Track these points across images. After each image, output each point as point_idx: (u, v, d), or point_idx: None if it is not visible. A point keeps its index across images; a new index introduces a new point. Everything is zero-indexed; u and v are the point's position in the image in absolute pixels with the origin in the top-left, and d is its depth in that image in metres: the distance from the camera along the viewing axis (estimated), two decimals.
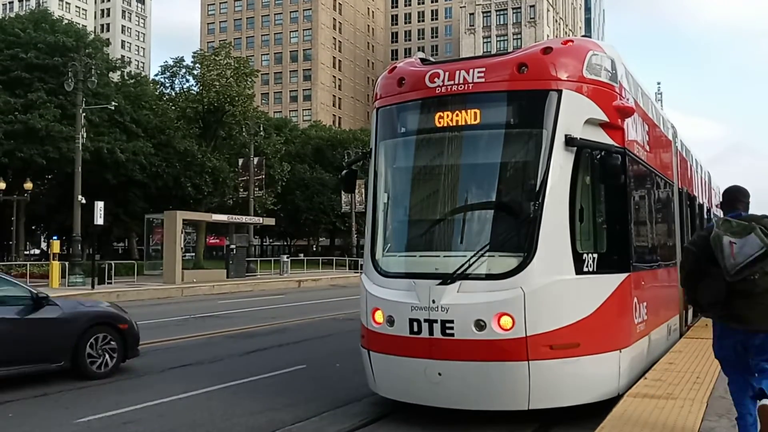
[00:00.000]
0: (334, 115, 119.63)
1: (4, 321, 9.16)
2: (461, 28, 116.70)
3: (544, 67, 7.08)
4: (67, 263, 30.08)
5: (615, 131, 7.40)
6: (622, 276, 7.26)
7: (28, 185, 41.51)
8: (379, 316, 7.19)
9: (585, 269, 6.88)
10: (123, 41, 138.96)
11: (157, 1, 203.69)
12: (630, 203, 7.67)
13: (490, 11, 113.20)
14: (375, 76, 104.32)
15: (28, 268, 32.76)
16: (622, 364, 7.09)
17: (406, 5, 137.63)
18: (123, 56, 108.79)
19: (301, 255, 64.87)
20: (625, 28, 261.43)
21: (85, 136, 34.23)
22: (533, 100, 7.13)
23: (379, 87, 8.09)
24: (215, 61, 55.48)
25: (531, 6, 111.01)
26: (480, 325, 6.57)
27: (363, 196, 39.90)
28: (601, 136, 7.24)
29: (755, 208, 5.71)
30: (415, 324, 6.80)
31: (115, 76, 57.27)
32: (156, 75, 62.03)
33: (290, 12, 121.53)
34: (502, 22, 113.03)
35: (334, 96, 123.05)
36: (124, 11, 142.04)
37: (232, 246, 37.24)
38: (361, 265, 8.77)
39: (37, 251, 74.61)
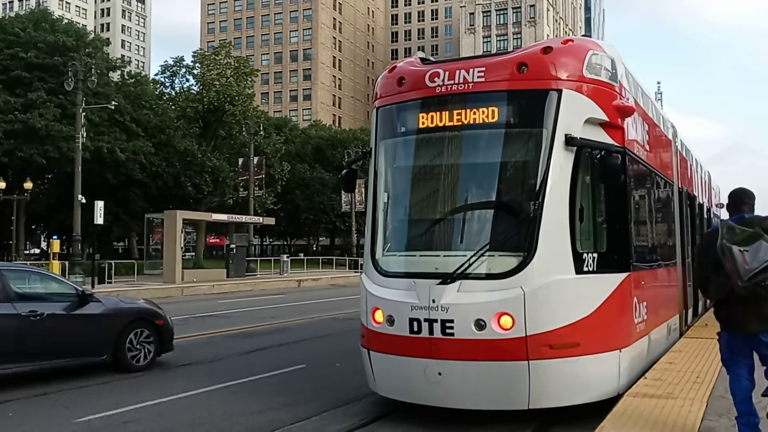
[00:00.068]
0: (334, 114, 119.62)
1: (53, 316, 9.64)
2: (461, 28, 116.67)
3: (544, 67, 7.08)
4: (67, 263, 30.11)
5: (615, 131, 7.39)
6: (622, 276, 7.25)
7: (28, 185, 41.51)
8: (379, 316, 7.19)
9: (585, 269, 6.88)
10: (123, 41, 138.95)
11: (157, 0, 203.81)
12: (630, 203, 7.67)
13: (490, 11, 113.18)
14: (375, 75, 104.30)
15: None
16: (622, 364, 7.09)
17: (406, 5, 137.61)
18: (123, 56, 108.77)
19: (301, 254, 64.87)
20: (625, 28, 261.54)
21: (85, 135, 34.23)
22: (533, 100, 7.13)
23: (379, 86, 8.08)
24: (215, 61, 55.48)
25: (531, 5, 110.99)
26: (480, 324, 6.57)
27: (363, 195, 39.91)
28: (601, 136, 7.24)
29: (757, 209, 5.79)
30: (415, 323, 6.80)
31: (115, 76, 57.28)
32: (156, 74, 62.05)
33: (290, 11, 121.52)
34: (502, 22, 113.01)
35: (334, 95, 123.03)
36: (124, 11, 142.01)
37: (232, 245, 37.25)
38: (361, 264, 8.78)
39: (37, 251, 74.61)
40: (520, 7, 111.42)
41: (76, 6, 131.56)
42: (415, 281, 6.91)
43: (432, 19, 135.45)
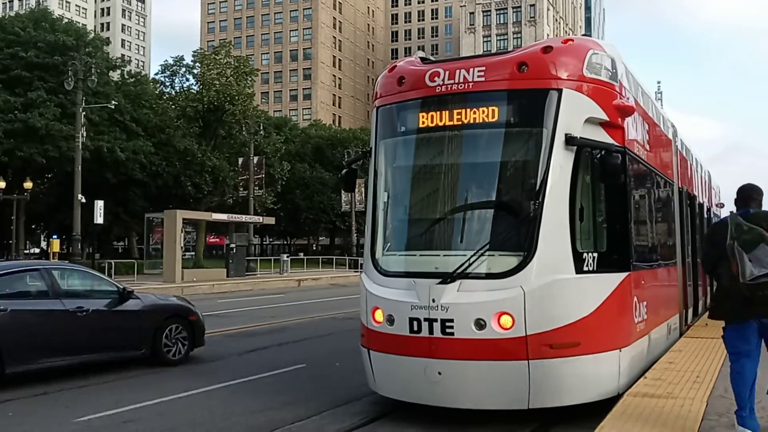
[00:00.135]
0: (334, 114, 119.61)
1: (97, 312, 10.18)
2: (461, 27, 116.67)
3: (544, 66, 7.08)
4: (66, 262, 30.09)
5: (615, 130, 7.39)
6: (622, 275, 7.25)
7: (28, 184, 41.53)
8: (379, 315, 7.19)
9: (585, 268, 6.88)
10: (123, 40, 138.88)
11: None
12: (630, 202, 7.67)
13: (490, 10, 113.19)
14: (375, 75, 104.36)
15: None
16: (622, 364, 7.08)
17: (406, 4, 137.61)
18: (123, 55, 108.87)
19: (301, 254, 64.88)
20: (625, 27, 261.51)
21: (85, 134, 34.27)
22: (533, 99, 7.12)
23: (379, 86, 8.08)
24: (215, 60, 55.45)
25: (531, 5, 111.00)
26: (480, 324, 6.57)
27: (363, 195, 39.91)
28: (602, 135, 7.23)
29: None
30: (415, 323, 6.80)
31: (115, 75, 57.31)
32: (156, 74, 62.02)
33: (290, 11, 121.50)
34: (502, 21, 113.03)
35: (334, 95, 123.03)
36: (124, 10, 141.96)
37: (232, 245, 37.26)
38: (361, 264, 8.77)
39: (37, 250, 74.63)
40: (520, 7, 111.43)
41: (76, 5, 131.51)
42: (415, 281, 6.91)
43: (432, 18, 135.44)
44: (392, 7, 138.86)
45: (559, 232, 6.78)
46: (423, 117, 7.41)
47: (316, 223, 74.59)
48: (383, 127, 7.89)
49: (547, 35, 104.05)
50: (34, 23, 50.16)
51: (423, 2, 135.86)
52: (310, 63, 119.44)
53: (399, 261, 7.47)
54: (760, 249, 5.13)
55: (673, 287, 10.31)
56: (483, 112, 7.10)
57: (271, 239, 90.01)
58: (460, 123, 7.21)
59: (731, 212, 5.73)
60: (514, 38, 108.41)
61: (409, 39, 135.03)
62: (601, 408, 6.35)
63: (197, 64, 56.25)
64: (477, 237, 7.09)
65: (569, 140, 6.87)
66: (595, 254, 7.03)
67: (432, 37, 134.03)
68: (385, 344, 7.16)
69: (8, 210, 45.90)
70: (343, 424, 7.38)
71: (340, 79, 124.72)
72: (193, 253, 36.87)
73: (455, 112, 7.21)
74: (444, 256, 7.06)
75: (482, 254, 6.76)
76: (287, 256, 47.25)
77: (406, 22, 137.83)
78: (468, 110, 7.15)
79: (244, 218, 42.66)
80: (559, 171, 6.87)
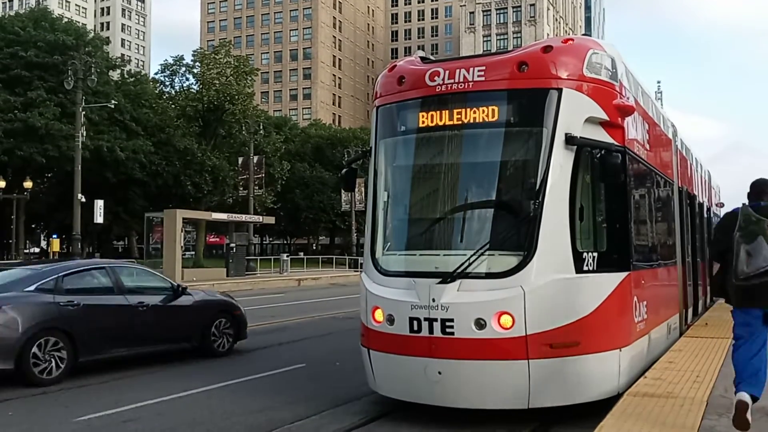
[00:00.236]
0: (333, 113, 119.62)
1: (155, 307, 10.93)
2: (461, 27, 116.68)
3: (544, 66, 7.07)
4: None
5: (615, 130, 7.38)
6: (622, 275, 7.25)
7: (28, 184, 41.57)
8: (379, 315, 7.19)
9: (585, 268, 6.87)
10: (123, 39, 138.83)
11: None
12: (630, 202, 7.66)
13: (490, 10, 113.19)
14: (375, 74, 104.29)
15: None
16: (621, 363, 7.08)
17: (406, 4, 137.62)
18: (123, 55, 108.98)
19: (301, 253, 64.89)
20: (625, 27, 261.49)
21: (84, 134, 34.27)
22: (533, 99, 7.12)
23: (379, 85, 8.07)
24: (215, 60, 55.52)
25: (531, 5, 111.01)
26: (480, 323, 6.56)
27: (363, 194, 39.91)
28: (602, 135, 7.23)
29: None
30: (415, 323, 6.79)
31: (114, 75, 57.37)
32: (156, 73, 62.15)
33: (290, 10, 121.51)
34: (502, 21, 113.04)
35: (334, 95, 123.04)
36: (123, 9, 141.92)
37: (232, 244, 37.26)
38: (361, 263, 8.77)
39: (37, 250, 74.66)
40: (520, 6, 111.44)
41: (76, 5, 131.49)
42: (415, 280, 6.90)
43: (432, 18, 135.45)
44: (392, 6, 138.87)
45: (559, 232, 6.78)
46: (423, 116, 7.41)
47: (316, 223, 74.64)
48: (383, 126, 7.88)
49: (547, 35, 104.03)
50: (34, 23, 50.21)
51: (423, 2, 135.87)
52: (310, 62, 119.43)
53: (399, 260, 7.46)
54: (758, 242, 5.36)
55: (673, 287, 10.30)
56: (483, 111, 7.09)
57: (271, 239, 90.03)
58: (460, 122, 7.20)
59: (743, 204, 5.89)
60: (514, 38, 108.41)
61: (409, 38, 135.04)
62: (601, 408, 6.34)
63: (197, 63, 56.32)
64: (477, 236, 7.09)
65: (569, 140, 6.87)
66: (595, 254, 7.03)
67: (432, 36, 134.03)
68: (385, 344, 7.16)
69: (8, 209, 45.94)
70: (343, 424, 7.37)
71: (340, 78, 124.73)
72: (193, 252, 36.85)
73: (455, 111, 7.20)
74: (444, 255, 7.05)
75: (482, 254, 6.75)
76: (287, 256, 47.26)
77: (406, 21, 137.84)
78: (468, 110, 7.15)
79: (244, 218, 42.67)
80: (559, 170, 6.86)
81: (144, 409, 8.08)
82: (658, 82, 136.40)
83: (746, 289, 5.51)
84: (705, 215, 16.22)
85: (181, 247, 32.67)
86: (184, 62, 57.18)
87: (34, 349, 9.22)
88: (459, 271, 6.70)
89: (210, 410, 8.07)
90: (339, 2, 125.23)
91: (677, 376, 7.34)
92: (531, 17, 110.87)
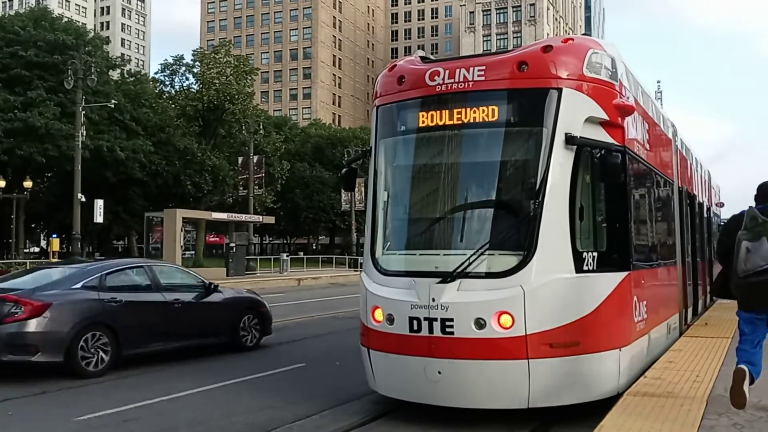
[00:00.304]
0: (333, 113, 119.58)
1: (189, 304, 11.53)
2: (461, 27, 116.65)
3: (544, 66, 7.07)
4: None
5: (615, 130, 7.38)
6: (622, 274, 7.25)
7: (28, 183, 41.56)
8: (378, 315, 7.19)
9: (585, 268, 6.87)
10: (123, 39, 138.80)
11: None
12: (630, 202, 7.66)
13: (490, 9, 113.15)
14: (375, 74, 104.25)
15: (28, 266, 32.75)
16: (621, 363, 7.08)
17: (406, 3, 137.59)
18: (123, 54, 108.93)
19: (301, 253, 64.90)
20: (625, 27, 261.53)
21: (84, 134, 34.27)
22: (533, 99, 7.12)
23: (379, 85, 8.07)
24: (215, 59, 55.53)
25: (531, 4, 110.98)
26: (480, 323, 6.56)
27: (363, 194, 39.91)
28: (602, 135, 7.23)
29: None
30: (414, 322, 6.79)
31: (114, 74, 57.35)
32: (156, 73, 62.16)
33: (290, 10, 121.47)
34: (502, 21, 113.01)
35: (333, 94, 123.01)
36: (123, 9, 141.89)
37: (232, 244, 37.27)
38: (361, 263, 8.77)
39: (37, 249, 74.65)
40: (520, 6, 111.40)
41: (76, 4, 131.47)
42: (414, 280, 6.90)
43: (432, 17, 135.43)
44: (392, 6, 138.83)
45: (559, 232, 6.78)
46: (423, 116, 7.40)
47: (316, 223, 74.61)
48: (383, 126, 7.88)
49: (547, 34, 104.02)
50: (34, 22, 50.20)
51: (423, 1, 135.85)
52: (310, 62, 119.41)
53: (399, 260, 7.46)
54: (760, 242, 5.50)
55: (672, 286, 10.31)
56: (483, 111, 7.09)
57: (270, 238, 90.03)
58: (460, 122, 7.20)
59: (750, 206, 6.00)
60: (514, 38, 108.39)
61: (409, 38, 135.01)
62: (601, 407, 6.34)
63: (197, 63, 56.31)
64: (477, 236, 7.09)
65: (569, 139, 6.87)
66: (595, 253, 7.03)
67: (432, 36, 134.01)
68: (385, 343, 7.16)
69: (8, 209, 45.93)
70: (343, 423, 7.37)
71: (339, 78, 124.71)
72: (193, 252, 36.86)
73: (455, 111, 7.20)
74: (444, 255, 7.05)
75: (482, 253, 6.75)
76: (287, 255, 47.25)
77: (406, 21, 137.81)
78: (468, 109, 7.14)
79: (243, 217, 42.67)
80: (559, 170, 6.86)
81: (144, 409, 8.08)
82: (658, 82, 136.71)
83: (747, 287, 5.62)
84: (705, 215, 16.23)
85: (181, 246, 32.68)
86: (184, 62, 57.21)
87: (82, 343, 9.73)
88: (459, 270, 6.70)
89: (210, 410, 8.07)
90: (339, 2, 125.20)
91: (677, 376, 7.35)
92: (531, 17, 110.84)
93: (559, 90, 6.98)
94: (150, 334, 10.74)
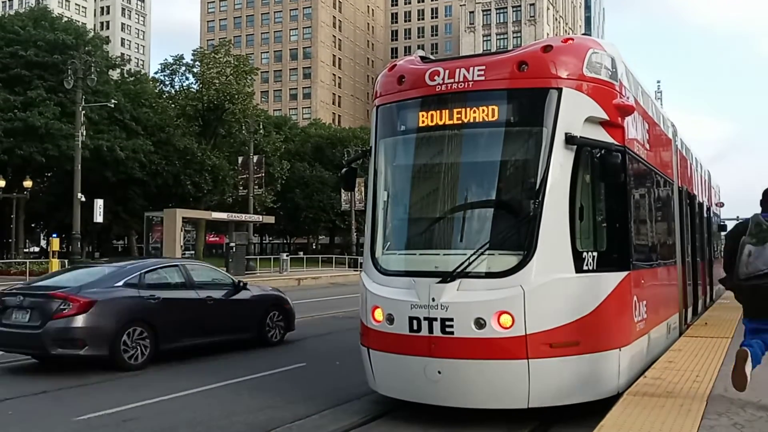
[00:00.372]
0: (333, 113, 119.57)
1: (220, 300, 12.02)
2: (461, 27, 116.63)
3: (544, 65, 7.07)
4: (66, 261, 30.07)
5: (615, 129, 7.38)
6: (622, 274, 7.25)
7: (28, 183, 41.55)
8: (378, 314, 7.18)
9: (585, 268, 6.87)
10: (123, 39, 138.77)
11: None
12: (630, 202, 7.66)
13: (490, 9, 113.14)
14: (375, 74, 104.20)
15: (28, 266, 32.79)
16: (621, 363, 7.08)
17: (406, 3, 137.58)
18: (123, 54, 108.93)
19: (301, 253, 64.86)
20: (625, 27, 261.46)
21: (84, 133, 34.25)
22: (533, 98, 7.12)
23: (379, 85, 8.07)
24: (215, 59, 55.54)
25: (531, 4, 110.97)
26: (480, 323, 6.56)
27: (363, 194, 39.90)
28: (602, 135, 7.23)
29: (756, 208, 6.13)
30: (414, 322, 6.79)
31: (114, 74, 57.35)
32: (156, 73, 62.18)
33: (290, 10, 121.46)
34: (502, 21, 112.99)
35: (333, 94, 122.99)
36: (123, 9, 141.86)
37: (232, 244, 37.26)
38: (361, 263, 8.77)
39: (37, 249, 74.64)
40: (520, 6, 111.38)
41: (76, 4, 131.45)
42: (414, 280, 6.90)
43: (432, 17, 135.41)
44: (392, 6, 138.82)
45: (559, 232, 6.78)
46: (423, 116, 7.40)
47: (316, 222, 74.59)
48: (383, 126, 7.87)
49: (547, 34, 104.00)
50: (34, 22, 50.19)
51: (423, 1, 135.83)
52: (310, 62, 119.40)
53: (399, 260, 7.46)
54: (764, 248, 5.63)
55: (672, 286, 10.31)
56: (483, 111, 7.09)
57: (270, 238, 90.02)
58: (460, 122, 7.19)
59: (755, 213, 6.11)
60: (513, 37, 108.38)
61: (409, 38, 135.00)
62: (601, 407, 6.34)
63: (197, 63, 56.31)
64: (477, 236, 7.09)
65: (569, 139, 6.87)
66: (595, 253, 7.03)
67: (432, 36, 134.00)
68: (385, 343, 7.16)
69: (8, 209, 45.94)
70: (343, 423, 7.37)
71: (339, 78, 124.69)
72: (193, 252, 36.87)
73: (455, 111, 7.19)
74: (444, 255, 7.05)
75: (482, 253, 6.75)
76: (287, 255, 47.20)
77: (405, 21, 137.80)
78: (468, 109, 7.14)
79: (243, 217, 42.68)
80: (559, 170, 6.86)
81: (144, 409, 8.08)
82: (658, 81, 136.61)
83: (748, 290, 5.76)
84: (705, 215, 16.23)
85: (181, 246, 32.70)
86: (184, 61, 57.23)
87: (124, 338, 10.24)
88: (459, 270, 6.70)
89: (210, 409, 8.06)
90: (339, 2, 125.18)
91: (677, 376, 7.35)
92: (531, 17, 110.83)
93: (559, 90, 6.98)
94: (185, 330, 11.22)
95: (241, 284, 12.68)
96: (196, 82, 56.08)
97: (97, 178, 43.93)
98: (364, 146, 14.87)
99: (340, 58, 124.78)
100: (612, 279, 7.12)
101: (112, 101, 44.59)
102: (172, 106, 55.23)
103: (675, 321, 10.31)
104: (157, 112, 53.62)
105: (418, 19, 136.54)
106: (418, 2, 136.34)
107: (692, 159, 14.53)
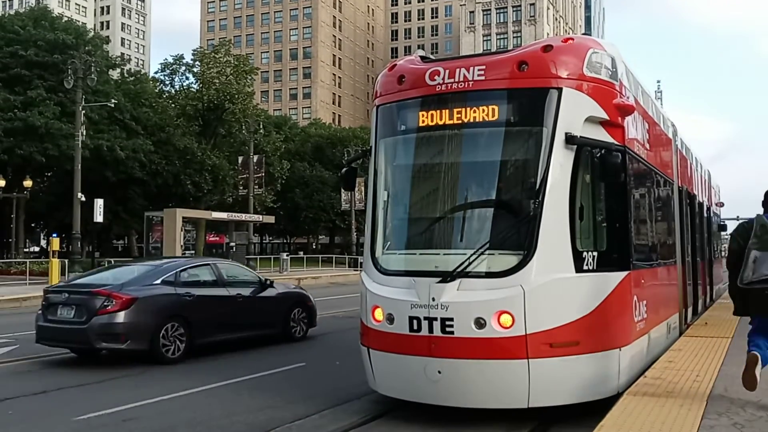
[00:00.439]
0: (333, 113, 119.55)
1: (248, 297, 12.57)
2: (461, 26, 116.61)
3: (544, 65, 7.07)
4: (66, 260, 30.05)
5: (615, 129, 7.38)
6: (622, 274, 7.25)
7: (28, 182, 41.54)
8: (378, 314, 7.18)
9: (585, 267, 6.87)
10: (123, 39, 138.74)
11: None
12: (630, 201, 7.66)
13: (490, 9, 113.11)
14: (375, 74, 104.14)
15: (28, 265, 32.75)
16: (621, 363, 7.08)
17: (406, 3, 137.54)
18: (123, 54, 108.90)
19: (301, 253, 64.84)
20: (625, 27, 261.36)
21: (84, 133, 34.22)
22: (533, 98, 7.11)
23: (379, 85, 8.06)
24: (215, 59, 55.52)
25: (531, 4, 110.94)
26: (480, 323, 6.56)
27: (363, 194, 39.89)
28: (602, 134, 7.22)
29: (756, 208, 6.18)
30: (414, 322, 6.79)
31: (114, 74, 57.35)
32: (156, 72, 62.17)
33: (290, 10, 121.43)
34: (502, 20, 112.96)
35: (333, 94, 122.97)
36: (123, 9, 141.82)
37: (232, 244, 37.28)
38: (361, 263, 8.76)
39: (37, 249, 74.64)
40: (520, 6, 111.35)
41: (76, 4, 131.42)
42: (414, 279, 6.90)
43: (432, 17, 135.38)
44: (392, 5, 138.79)
45: (559, 231, 6.78)
46: (423, 116, 7.40)
47: (316, 222, 74.57)
48: (383, 125, 7.87)
49: (547, 34, 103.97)
50: (34, 21, 50.18)
51: (423, 1, 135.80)
52: (310, 62, 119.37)
53: (399, 260, 7.46)
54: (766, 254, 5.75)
55: (672, 286, 10.31)
56: (483, 110, 7.08)
57: (270, 238, 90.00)
58: (460, 122, 7.19)
59: (758, 214, 6.19)
60: (514, 37, 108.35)
61: (409, 38, 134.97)
62: (601, 407, 6.34)
63: (197, 62, 56.29)
64: (477, 236, 7.08)
65: (569, 139, 6.86)
66: (595, 253, 7.03)
67: (432, 35, 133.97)
68: (385, 343, 7.16)
69: (8, 208, 45.94)
70: (343, 423, 7.37)
71: (339, 77, 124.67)
72: (193, 251, 36.84)
73: (455, 110, 7.19)
74: (444, 254, 7.05)
75: (482, 253, 6.75)
76: (287, 255, 47.20)
77: (406, 20, 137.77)
78: (468, 109, 7.14)
79: (243, 217, 42.67)
80: (559, 170, 6.86)
81: (144, 408, 8.07)
82: (658, 81, 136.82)
83: (756, 293, 5.88)
84: (705, 215, 16.23)
85: (181, 246, 32.68)
86: (184, 61, 57.21)
87: (162, 333, 10.79)
88: (459, 270, 6.70)
89: (210, 409, 8.06)
90: (339, 1, 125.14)
91: (677, 376, 7.34)
92: (531, 17, 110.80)
93: (559, 90, 6.97)
94: (217, 325, 11.78)
95: (268, 282, 13.21)
96: (196, 81, 56.07)
97: (97, 178, 43.90)
98: (364, 146, 14.89)
99: (340, 58, 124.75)
100: (612, 279, 7.12)
101: (112, 101, 44.59)
102: (172, 105, 55.22)
103: (675, 321, 10.31)
104: (157, 111, 53.60)
105: (418, 19, 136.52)
106: (418, 2, 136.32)
107: (692, 159, 14.53)
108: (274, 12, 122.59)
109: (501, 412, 6.89)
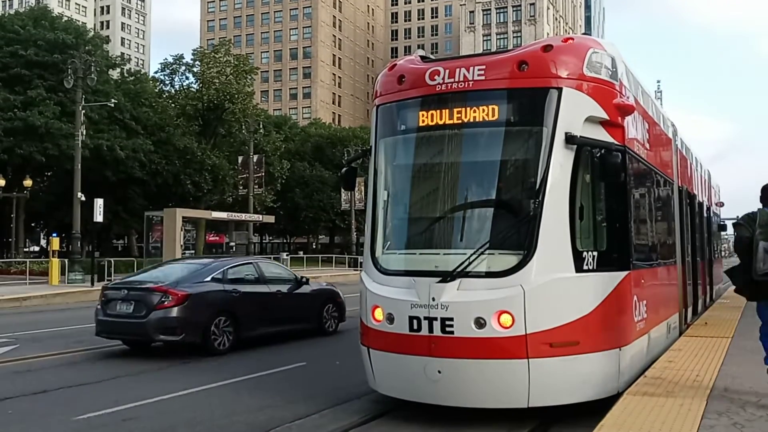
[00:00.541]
0: (333, 112, 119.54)
1: (286, 294, 13.44)
2: (461, 26, 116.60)
3: (544, 65, 7.07)
4: (66, 260, 30.03)
5: (615, 129, 7.38)
6: (622, 274, 7.25)
7: (28, 182, 41.51)
8: (378, 314, 7.18)
9: (585, 267, 6.87)
10: (123, 38, 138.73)
11: None
12: (630, 201, 7.66)
13: (490, 9, 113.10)
14: (375, 73, 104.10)
15: (28, 265, 32.73)
16: (621, 362, 7.09)
17: (406, 3, 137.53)
18: (123, 53, 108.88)
19: (301, 252, 64.76)
20: (625, 27, 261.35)
21: (84, 133, 34.20)
22: (533, 98, 7.11)
23: (379, 84, 8.06)
24: (215, 59, 55.49)
25: (531, 4, 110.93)
26: (480, 322, 6.56)
27: (363, 193, 39.89)
28: (602, 134, 7.22)
29: (756, 207, 6.14)
30: (414, 321, 6.79)
31: (114, 74, 57.32)
32: (156, 72, 62.13)
33: (290, 9, 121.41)
34: (502, 20, 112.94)
35: (333, 94, 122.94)
36: (123, 8, 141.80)
37: (232, 243, 37.24)
38: (361, 262, 8.77)
39: (37, 248, 74.64)
40: (520, 6, 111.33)
41: (76, 3, 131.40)
42: (414, 279, 6.90)
43: (432, 17, 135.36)
44: (392, 5, 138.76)
45: (559, 231, 6.78)
46: (423, 115, 7.40)
47: (316, 222, 74.55)
48: (383, 125, 7.87)
49: (547, 34, 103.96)
50: (34, 21, 50.17)
51: (423, 1, 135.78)
52: (310, 61, 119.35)
53: (399, 259, 7.46)
54: None
55: (672, 286, 10.31)
56: (483, 110, 7.09)
57: (270, 238, 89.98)
58: (460, 122, 7.19)
59: (759, 208, 6.32)
60: (514, 37, 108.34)
61: (409, 38, 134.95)
62: (601, 407, 6.35)
63: (197, 62, 56.27)
64: (477, 236, 7.08)
65: (569, 139, 6.86)
66: (595, 253, 7.03)
67: (432, 35, 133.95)
68: (385, 343, 7.16)
69: (8, 208, 45.95)
70: (343, 423, 7.37)
71: (339, 77, 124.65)
72: (193, 251, 36.78)
73: (455, 110, 7.19)
74: (444, 254, 7.05)
75: (482, 253, 6.75)
76: (287, 255, 47.20)
77: (406, 20, 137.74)
78: (468, 109, 7.14)
79: (243, 217, 42.63)
80: (559, 170, 6.86)
81: (144, 408, 8.07)
82: (658, 81, 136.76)
83: (763, 285, 6.00)
84: (705, 215, 16.23)
85: (181, 245, 32.64)
86: (184, 61, 57.18)
87: (213, 327, 11.58)
88: (459, 270, 6.70)
89: (210, 409, 8.06)
90: (339, 1, 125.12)
91: (677, 376, 7.35)
92: (531, 16, 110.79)
93: (559, 89, 6.97)
94: (260, 320, 12.60)
95: (303, 279, 14.08)
96: (196, 81, 56.04)
97: (97, 178, 43.88)
98: (364, 146, 14.89)
99: (340, 58, 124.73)
100: (612, 279, 7.12)
101: (112, 101, 44.57)
102: (172, 105, 55.19)
103: (675, 321, 10.31)
104: (157, 111, 53.58)
105: (418, 19, 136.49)
106: (418, 2, 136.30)
107: (692, 159, 14.53)
108: (274, 12, 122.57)
109: (501, 412, 6.89)
